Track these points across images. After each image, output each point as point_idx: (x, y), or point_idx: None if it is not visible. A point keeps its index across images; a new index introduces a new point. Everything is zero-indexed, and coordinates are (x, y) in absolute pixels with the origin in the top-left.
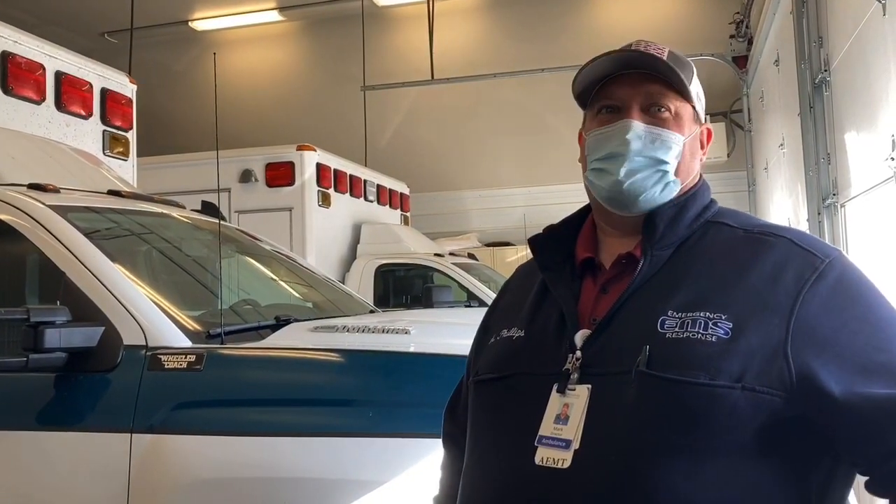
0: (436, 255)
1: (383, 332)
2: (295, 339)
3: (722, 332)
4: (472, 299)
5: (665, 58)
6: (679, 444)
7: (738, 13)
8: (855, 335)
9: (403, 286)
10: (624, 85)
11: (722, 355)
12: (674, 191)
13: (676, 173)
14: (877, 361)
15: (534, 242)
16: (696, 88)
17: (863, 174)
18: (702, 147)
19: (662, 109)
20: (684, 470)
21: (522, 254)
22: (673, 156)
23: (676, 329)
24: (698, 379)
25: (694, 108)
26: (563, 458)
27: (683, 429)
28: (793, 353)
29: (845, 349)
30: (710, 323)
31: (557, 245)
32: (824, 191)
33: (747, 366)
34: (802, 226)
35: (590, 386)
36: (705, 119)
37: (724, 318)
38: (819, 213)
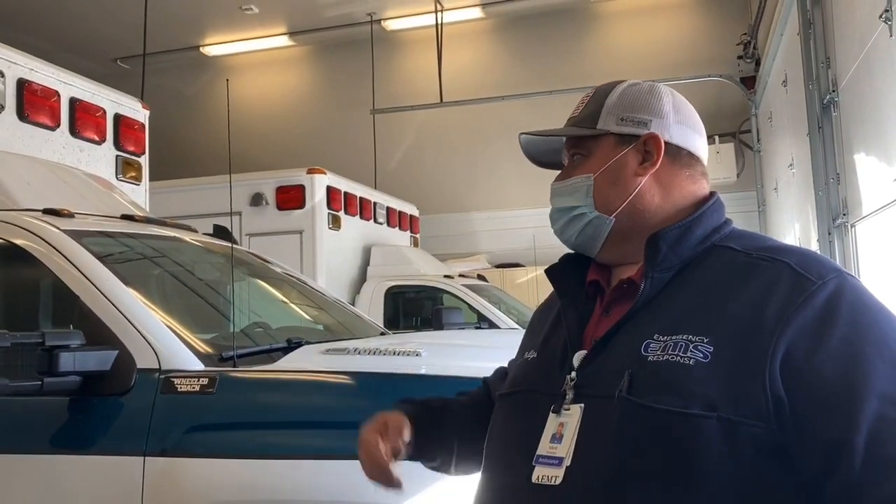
0: (445, 276)
1: (395, 354)
2: (307, 361)
3: (701, 355)
4: (482, 321)
5: (584, 106)
6: (657, 471)
7: (745, 34)
8: (828, 360)
9: (413, 308)
10: (562, 148)
11: (698, 381)
12: (602, 224)
13: (597, 206)
14: (839, 393)
15: (550, 273)
16: (615, 114)
17: (873, 194)
18: (646, 160)
19: (576, 157)
20: (661, 497)
21: (532, 275)
22: (581, 197)
23: (658, 352)
24: (672, 406)
25: (614, 133)
26: (556, 475)
27: (661, 456)
28: (770, 380)
29: (814, 377)
30: (691, 346)
31: (573, 271)
32: (834, 211)
33: (724, 393)
34: (813, 246)
35: (583, 405)
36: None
37: (705, 341)
38: (829, 234)
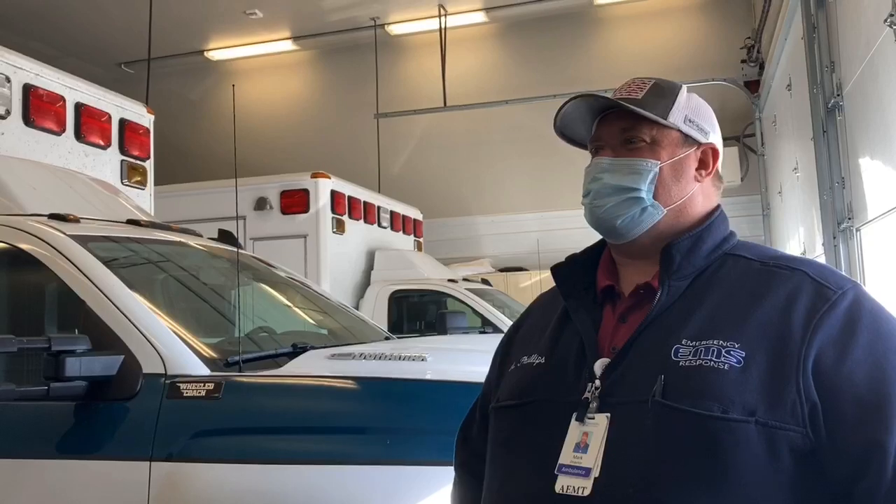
0: (449, 280)
1: (400, 359)
2: (312, 366)
3: (734, 360)
4: (486, 325)
5: (643, 92)
6: (695, 476)
7: (749, 38)
8: (857, 367)
9: (417, 312)
10: (604, 124)
11: (735, 385)
12: (655, 215)
13: (656, 197)
14: (870, 398)
15: (556, 271)
16: (683, 113)
17: (878, 198)
18: (704, 167)
19: (636, 141)
20: (702, 502)
21: (536, 279)
22: (645, 182)
23: (690, 357)
24: (712, 411)
25: (681, 131)
26: (584, 487)
27: (699, 460)
28: (805, 385)
29: (844, 382)
30: (723, 350)
31: (580, 273)
32: (839, 215)
33: (760, 398)
34: (818, 250)
35: (609, 415)
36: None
37: (736, 346)
38: (834, 237)
